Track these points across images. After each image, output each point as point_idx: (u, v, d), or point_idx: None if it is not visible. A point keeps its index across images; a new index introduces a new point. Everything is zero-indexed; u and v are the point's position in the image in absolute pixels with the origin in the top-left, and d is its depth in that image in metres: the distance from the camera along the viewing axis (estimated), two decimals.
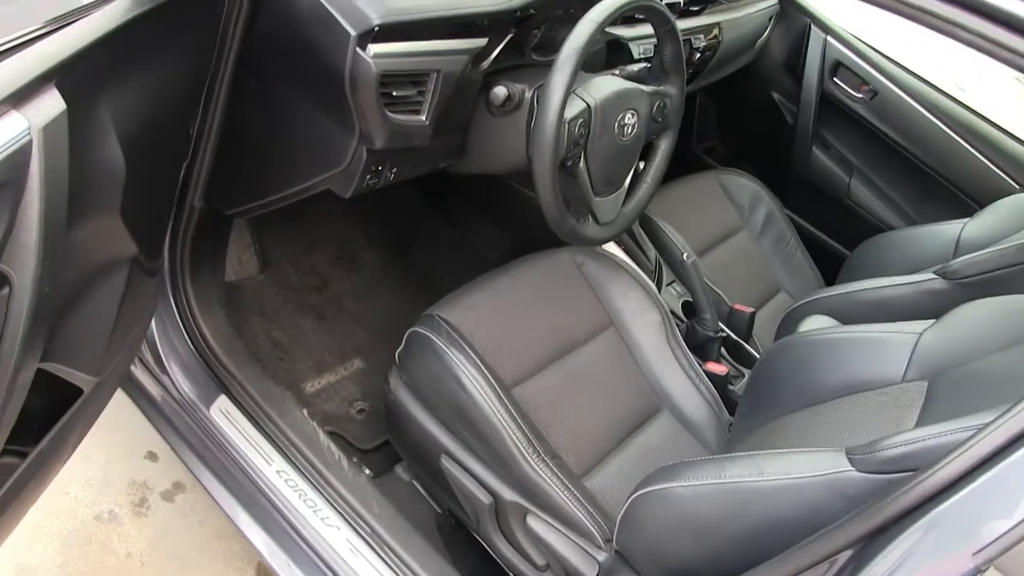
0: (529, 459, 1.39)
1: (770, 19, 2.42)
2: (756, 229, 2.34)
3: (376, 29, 1.21)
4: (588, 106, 1.40)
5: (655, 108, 1.55)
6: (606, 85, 1.46)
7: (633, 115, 1.48)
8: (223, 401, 1.61)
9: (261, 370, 1.66)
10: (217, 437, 1.57)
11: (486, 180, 2.04)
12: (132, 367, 1.64)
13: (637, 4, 1.37)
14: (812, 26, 2.41)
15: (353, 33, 1.20)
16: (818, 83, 2.40)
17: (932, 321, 1.45)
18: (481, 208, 2.22)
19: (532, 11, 1.43)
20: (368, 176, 1.39)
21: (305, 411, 1.64)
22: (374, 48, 1.22)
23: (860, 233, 2.27)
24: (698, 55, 2.00)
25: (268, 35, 1.31)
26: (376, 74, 1.22)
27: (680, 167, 2.22)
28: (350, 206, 2.15)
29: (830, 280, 2.28)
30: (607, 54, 1.70)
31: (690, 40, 1.95)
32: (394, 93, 1.28)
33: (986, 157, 2.24)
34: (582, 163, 1.43)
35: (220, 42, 1.30)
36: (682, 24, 1.91)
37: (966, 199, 2.26)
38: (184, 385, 1.62)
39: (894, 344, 1.46)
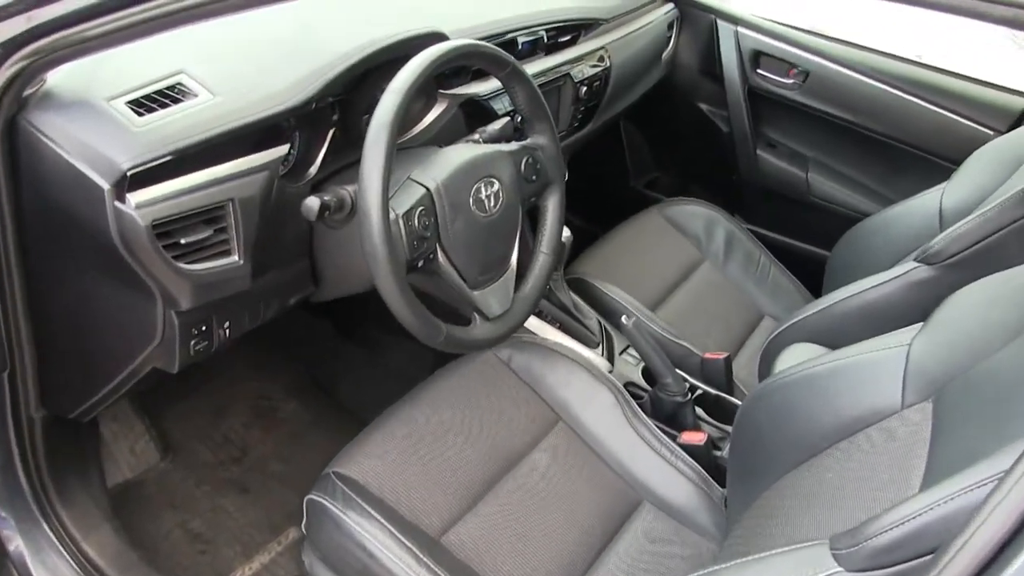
0: None
1: (670, 26, 2.25)
2: (719, 257, 2.12)
3: (129, 175, 1.02)
4: (427, 190, 1.20)
5: (524, 166, 1.34)
6: (448, 159, 1.25)
7: (492, 184, 1.27)
8: None
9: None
10: None
11: None
12: None
13: (454, 55, 1.17)
14: (718, 21, 2.25)
15: (105, 186, 1.03)
16: (741, 80, 2.24)
17: (920, 326, 1.20)
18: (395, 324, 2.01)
19: (334, 98, 1.24)
20: (193, 343, 1.21)
21: None
22: (135, 197, 1.04)
23: (836, 229, 2.04)
24: (585, 88, 1.80)
25: (34, 210, 1.14)
26: (146, 227, 1.04)
27: (623, 210, 2.12)
28: (255, 357, 1.99)
29: (817, 289, 2.05)
30: (465, 118, 1.49)
31: (569, 74, 1.75)
32: (182, 241, 1.08)
33: (949, 110, 2.03)
34: (441, 257, 1.22)
35: None
36: (554, 59, 1.72)
37: (940, 161, 2.04)
38: None
39: (882, 364, 1.22)
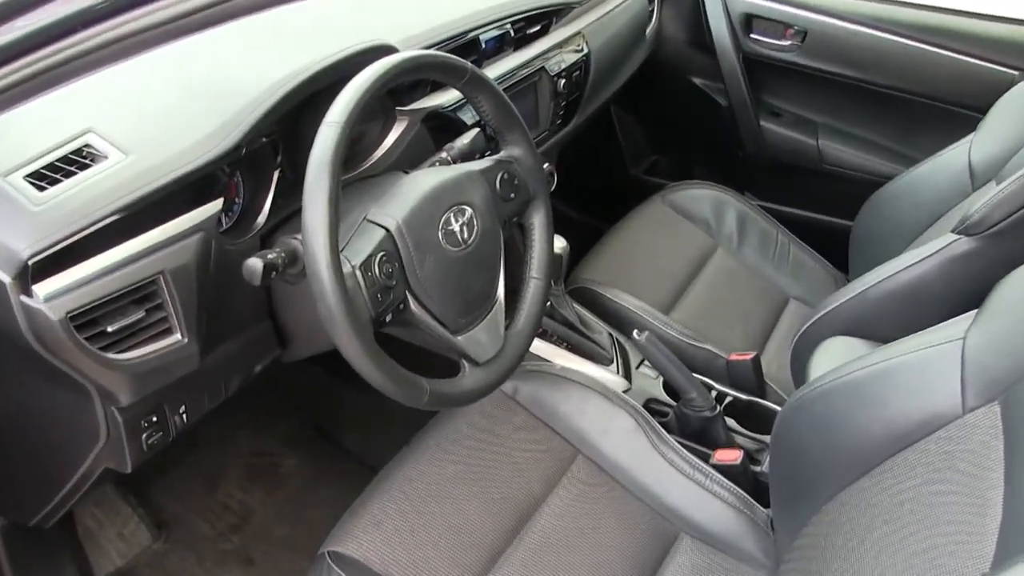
0: None
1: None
2: (732, 241, 1.98)
3: (31, 264, 0.89)
4: (387, 231, 1.06)
5: (500, 184, 1.20)
6: (408, 191, 1.12)
7: (463, 211, 1.13)
8: None
9: None
10: None
11: None
12: None
13: (397, 71, 1.03)
14: None
15: (6, 280, 0.90)
16: (734, 47, 2.11)
17: (973, 315, 1.05)
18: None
19: (269, 136, 1.10)
20: (145, 436, 1.09)
21: None
22: (43, 288, 0.91)
23: (856, 197, 1.92)
24: (564, 81, 1.65)
25: None
26: (60, 320, 0.91)
27: (626, 199, 2.01)
28: (247, 410, 1.86)
29: (843, 263, 1.94)
30: (432, 134, 1.35)
31: (543, 68, 1.61)
32: (109, 329, 0.95)
33: (966, 54, 1.89)
34: (413, 306, 1.08)
35: None
36: (525, 54, 1.59)
37: (963, 111, 1.91)
38: None
39: (935, 363, 1.08)
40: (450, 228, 1.11)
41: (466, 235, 1.12)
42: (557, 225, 1.56)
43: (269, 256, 0.99)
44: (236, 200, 1.15)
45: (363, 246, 1.02)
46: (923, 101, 1.96)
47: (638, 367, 1.59)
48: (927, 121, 1.98)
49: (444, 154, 1.26)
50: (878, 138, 2.10)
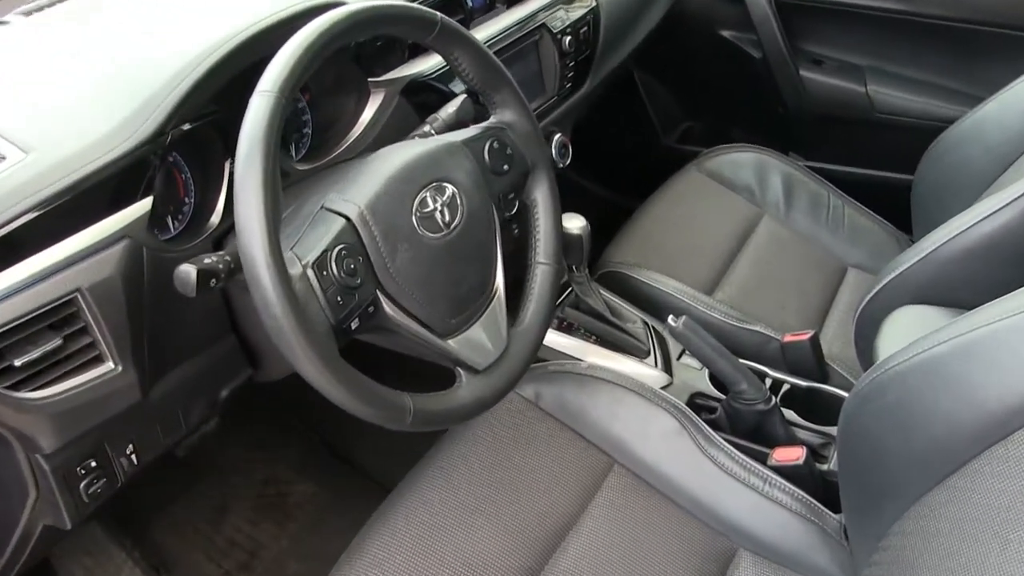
0: None
1: None
2: (779, 206, 1.83)
3: None
4: (346, 220, 0.90)
5: (489, 155, 1.05)
6: (373, 171, 0.96)
7: (443, 189, 0.98)
8: None
9: None
10: None
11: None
12: None
13: (344, 26, 0.88)
14: None
15: None
16: None
17: None
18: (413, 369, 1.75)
19: (203, 120, 0.95)
20: (84, 485, 0.95)
21: None
22: None
23: (915, 147, 1.76)
24: (569, 38, 1.49)
25: None
26: None
27: (661, 172, 1.88)
28: (252, 434, 1.75)
29: (905, 222, 1.78)
30: (417, 110, 1.20)
31: (544, 25, 1.45)
32: (16, 363, 0.81)
33: None
34: (387, 307, 0.92)
35: None
36: (521, 10, 1.45)
37: None
38: None
39: None
40: (427, 211, 0.95)
41: (448, 218, 0.96)
42: (581, 204, 1.41)
43: (206, 261, 0.84)
44: (186, 200, 1.01)
45: (317, 240, 0.87)
46: (983, 29, 1.82)
47: (679, 358, 1.43)
48: (990, 53, 1.85)
49: (427, 127, 1.11)
50: (935, 77, 1.95)
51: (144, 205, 0.89)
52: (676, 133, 2.39)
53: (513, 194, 1.08)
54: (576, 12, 1.53)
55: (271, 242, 0.77)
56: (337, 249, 0.86)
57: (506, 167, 1.06)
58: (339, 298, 0.85)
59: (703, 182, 1.86)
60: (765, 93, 2.12)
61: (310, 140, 1.16)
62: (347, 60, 1.14)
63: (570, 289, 1.45)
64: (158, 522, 1.61)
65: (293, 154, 1.15)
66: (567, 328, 1.44)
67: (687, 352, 1.43)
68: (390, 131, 1.15)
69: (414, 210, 0.94)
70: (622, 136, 2.40)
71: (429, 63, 1.23)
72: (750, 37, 2.06)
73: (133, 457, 0.99)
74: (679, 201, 1.82)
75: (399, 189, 0.94)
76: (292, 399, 1.77)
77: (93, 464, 0.95)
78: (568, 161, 1.52)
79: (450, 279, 0.97)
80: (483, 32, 1.34)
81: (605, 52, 1.66)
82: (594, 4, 1.58)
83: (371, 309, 0.89)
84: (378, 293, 0.90)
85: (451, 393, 0.95)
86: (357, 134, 1.15)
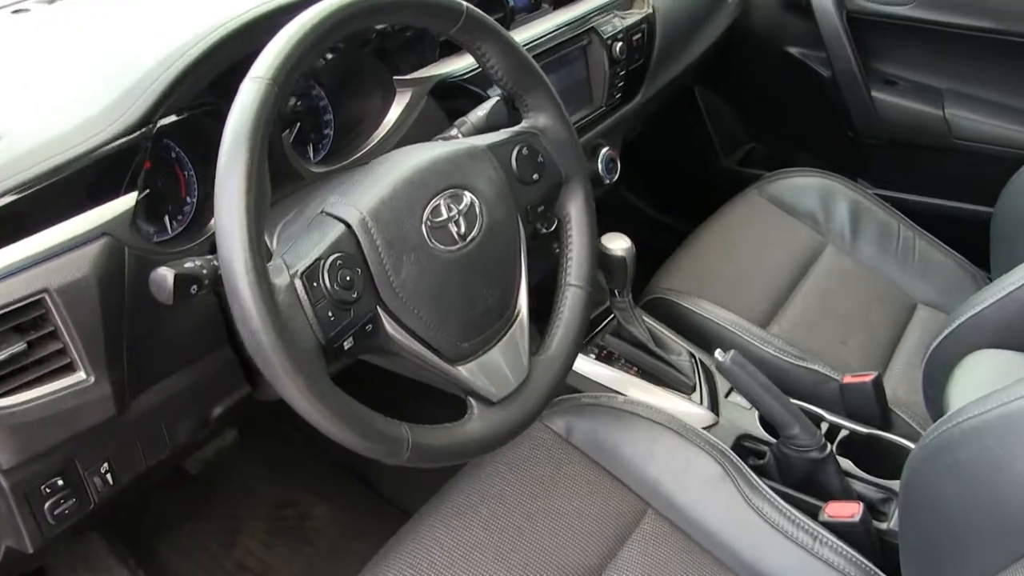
0: None
1: None
2: (844, 236, 1.75)
3: None
4: (346, 226, 0.82)
5: (517, 162, 0.96)
6: (381, 174, 0.88)
7: (460, 197, 0.90)
8: None
9: None
10: None
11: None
12: None
13: (353, 12, 0.80)
14: None
15: None
16: (837, 6, 1.91)
17: None
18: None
19: (199, 110, 0.89)
20: (50, 506, 0.88)
21: None
22: None
23: (995, 176, 1.68)
24: (620, 44, 1.42)
25: None
26: None
27: (718, 196, 1.83)
28: (270, 452, 1.71)
29: (982, 258, 1.70)
30: (449, 116, 1.13)
31: (593, 29, 1.38)
32: None
33: None
34: (388, 326, 0.84)
35: None
36: (569, 12, 1.40)
37: None
38: None
39: None
40: (440, 220, 0.87)
41: (464, 229, 0.88)
42: (629, 224, 1.32)
43: (188, 265, 0.76)
44: (188, 199, 0.95)
45: (310, 247, 0.79)
46: None
47: (727, 395, 1.34)
48: None
49: (453, 131, 1.03)
50: (1020, 103, 1.87)
51: (128, 200, 0.82)
52: (737, 155, 2.34)
53: (543, 206, 1.00)
54: (630, 18, 1.46)
55: (251, 246, 0.70)
56: (332, 258, 0.78)
57: (536, 176, 0.98)
58: (330, 313, 0.77)
59: (763, 207, 1.79)
60: (833, 114, 2.07)
61: (331, 141, 1.10)
62: (368, 54, 1.08)
63: (612, 315, 1.37)
64: (166, 540, 1.56)
65: (311, 155, 1.08)
66: (606, 357, 1.36)
67: (735, 390, 1.33)
68: (417, 135, 1.08)
69: (425, 218, 0.86)
70: (679, 155, 2.35)
71: (463, 63, 1.16)
72: (819, 55, 2.00)
73: (108, 477, 0.92)
74: (736, 226, 1.75)
75: (409, 194, 0.86)
76: (309, 444, 1.73)
77: (60, 483, 0.88)
78: (615, 177, 1.44)
79: (464, 298, 0.88)
80: (524, 33, 1.27)
81: (660, 63, 1.59)
82: (650, 11, 1.51)
83: (369, 328, 0.81)
84: (378, 310, 0.82)
85: (458, 426, 0.86)
86: (380, 136, 1.08)
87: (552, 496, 1.11)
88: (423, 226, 0.85)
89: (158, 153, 0.91)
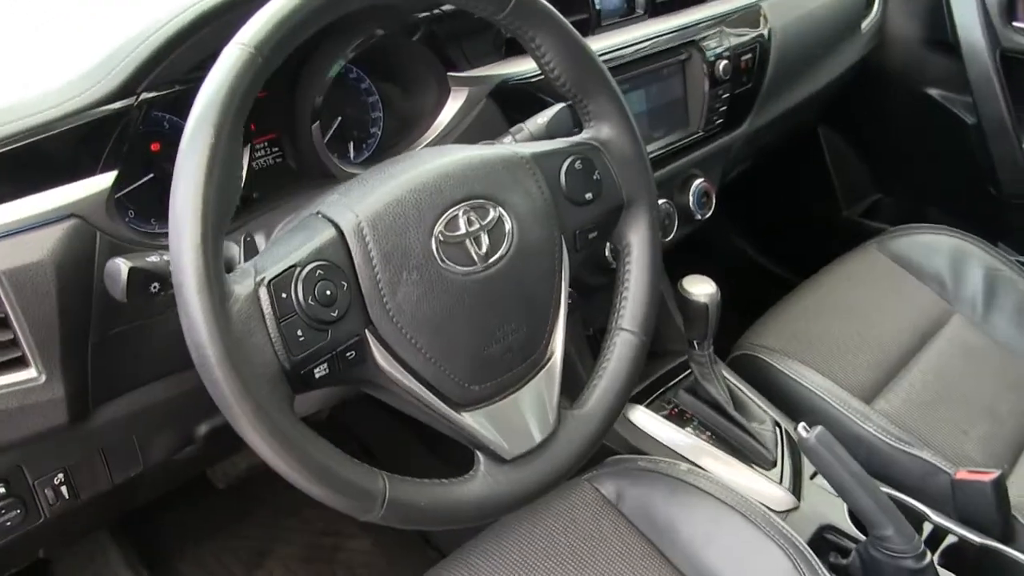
0: None
1: None
2: (976, 305, 1.58)
3: None
4: (337, 231, 0.71)
5: (566, 176, 0.83)
6: (389, 176, 0.76)
7: (483, 211, 0.76)
8: None
9: None
10: None
11: None
12: None
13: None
14: None
15: None
16: (989, 42, 1.77)
17: None
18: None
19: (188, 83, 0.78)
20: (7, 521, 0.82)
21: None
22: None
23: None
24: (725, 63, 1.28)
25: None
26: None
27: (834, 249, 1.71)
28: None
29: None
30: (509, 123, 1.00)
31: (695, 43, 1.25)
32: None
33: None
34: (378, 354, 0.70)
35: None
36: (668, 21, 1.25)
37: None
38: None
39: None
40: (456, 235, 0.73)
41: (486, 249, 0.75)
42: (722, 268, 1.16)
43: (151, 259, 0.66)
44: None
45: (286, 251, 0.67)
46: None
47: (813, 477, 1.18)
48: None
49: (507, 138, 0.91)
50: None
51: (105, 180, 0.73)
52: (860, 206, 2.20)
53: (596, 232, 0.85)
54: (741, 36, 1.33)
55: (204, 241, 0.59)
56: (311, 267, 0.66)
57: (590, 196, 0.84)
58: (299, 333, 0.65)
59: (883, 264, 1.64)
60: (975, 167, 1.93)
61: (378, 141, 0.99)
62: (418, 44, 0.97)
63: (689, 370, 1.24)
64: (184, 555, 1.50)
65: (351, 155, 0.97)
66: (676, 417, 1.23)
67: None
68: (471, 142, 0.96)
69: (437, 231, 0.72)
70: (793, 198, 2.23)
71: (528, 64, 1.04)
72: (963, 99, 1.87)
73: (64, 489, 0.85)
74: (850, 283, 1.60)
75: (420, 200, 0.73)
76: (363, 442, 1.66)
77: (2, 490, 0.81)
78: (708, 213, 1.30)
79: (476, 331, 0.75)
80: (609, 39, 1.15)
81: (773, 90, 1.46)
82: (766, 31, 1.38)
83: (351, 355, 0.68)
84: (366, 334, 0.69)
85: (455, 483, 0.73)
86: (429, 140, 0.98)
87: (589, 565, 0.98)
88: (432, 240, 0.73)
89: (162, 133, 0.82)
